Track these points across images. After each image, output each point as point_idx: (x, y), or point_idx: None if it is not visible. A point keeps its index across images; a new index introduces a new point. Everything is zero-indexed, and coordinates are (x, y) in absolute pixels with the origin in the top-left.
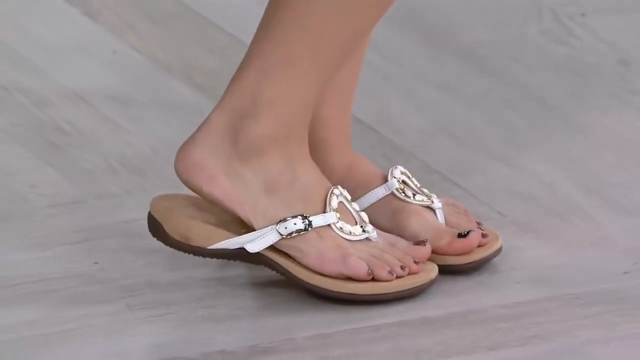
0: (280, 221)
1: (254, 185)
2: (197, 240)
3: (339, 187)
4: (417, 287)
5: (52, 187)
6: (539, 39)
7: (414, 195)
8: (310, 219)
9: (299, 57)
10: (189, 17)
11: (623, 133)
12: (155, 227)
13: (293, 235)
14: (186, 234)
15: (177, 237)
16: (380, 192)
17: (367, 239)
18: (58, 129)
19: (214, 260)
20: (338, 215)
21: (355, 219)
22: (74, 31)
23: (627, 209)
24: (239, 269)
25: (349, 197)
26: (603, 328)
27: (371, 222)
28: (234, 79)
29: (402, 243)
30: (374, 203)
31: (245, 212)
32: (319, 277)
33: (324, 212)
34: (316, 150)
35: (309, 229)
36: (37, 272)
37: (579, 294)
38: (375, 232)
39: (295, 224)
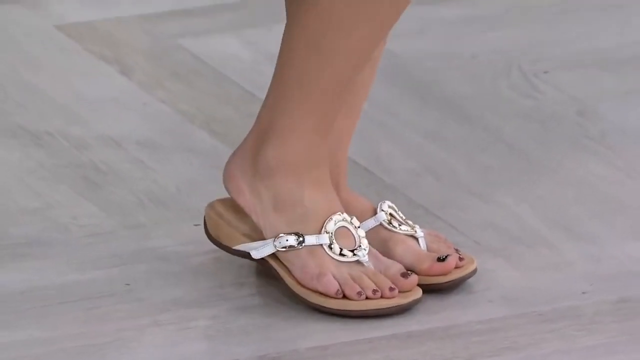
0: (277, 236)
1: (266, 201)
2: (224, 240)
3: (344, 213)
4: (382, 308)
5: (90, 219)
6: (509, 92)
7: (400, 225)
8: (304, 237)
9: (307, 91)
10: (209, 74)
11: (581, 173)
12: (205, 226)
13: (286, 249)
14: (217, 233)
15: (213, 235)
16: (370, 223)
17: (358, 261)
18: (95, 169)
19: (230, 282)
20: (332, 237)
21: (355, 241)
22: (110, 86)
23: (584, 237)
24: (251, 289)
25: (357, 223)
26: (565, 341)
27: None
28: (262, 106)
29: (393, 270)
30: (365, 232)
31: (259, 222)
32: (300, 287)
33: (319, 233)
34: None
35: (301, 246)
36: (77, 292)
37: (543, 312)
38: (367, 257)
39: (287, 240)
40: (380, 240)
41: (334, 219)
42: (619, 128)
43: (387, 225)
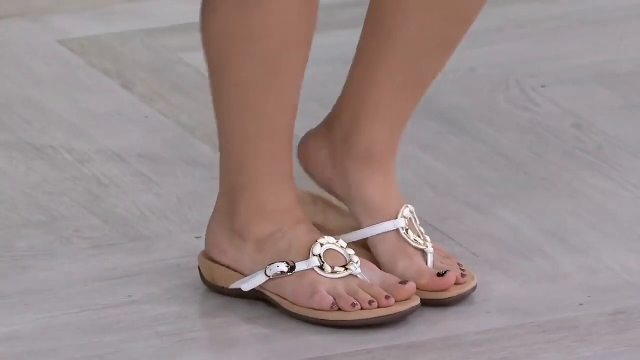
0: (268, 266)
1: (249, 249)
2: (220, 282)
3: (326, 237)
4: (380, 317)
5: (93, 232)
6: (506, 105)
7: (416, 237)
8: (295, 264)
9: (254, 143)
10: (209, 88)
11: (577, 186)
12: (200, 273)
13: (278, 275)
14: (213, 277)
15: (209, 280)
16: (388, 226)
17: (352, 275)
18: (98, 182)
19: (231, 293)
20: (322, 259)
21: (345, 259)
22: (112, 99)
23: (580, 249)
24: (251, 301)
25: (343, 244)
26: (562, 352)
27: (372, 250)
28: (220, 167)
29: (391, 281)
30: (380, 234)
31: (246, 272)
32: (297, 307)
33: (308, 259)
34: (363, 161)
35: (292, 272)
36: (80, 304)
37: (541, 323)
38: (360, 269)
39: (278, 266)
40: (390, 247)
41: (319, 242)
42: (614, 141)
43: (402, 233)
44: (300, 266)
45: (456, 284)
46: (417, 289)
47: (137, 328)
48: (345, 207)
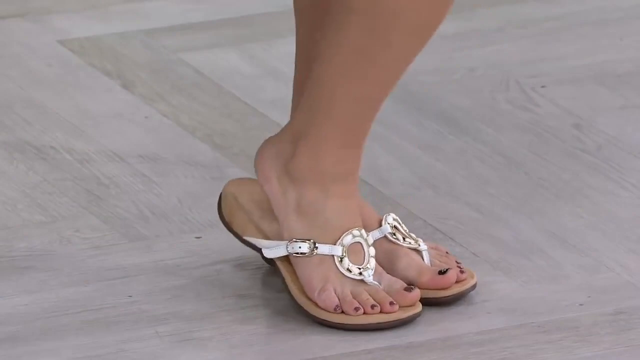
0: (291, 241)
1: (291, 200)
2: (236, 227)
3: (362, 229)
4: (382, 322)
5: (93, 232)
6: (506, 105)
7: (404, 238)
8: (317, 245)
9: (339, 106)
10: (210, 88)
11: (577, 185)
12: (218, 205)
13: (298, 255)
14: (231, 218)
15: (226, 218)
16: (375, 234)
17: (362, 280)
18: (98, 182)
19: (231, 293)
20: (345, 250)
21: (364, 260)
22: (112, 100)
23: (580, 249)
24: (252, 301)
25: (370, 242)
26: (562, 352)
27: None
28: (296, 104)
29: (396, 286)
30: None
31: (279, 216)
32: (303, 297)
33: (334, 244)
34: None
35: (313, 253)
36: (79, 304)
37: (541, 323)
38: (371, 278)
39: (300, 247)
40: (384, 252)
41: (352, 233)
42: (614, 142)
43: (391, 238)
44: (322, 249)
45: (456, 281)
46: (418, 287)
47: (137, 328)
48: None
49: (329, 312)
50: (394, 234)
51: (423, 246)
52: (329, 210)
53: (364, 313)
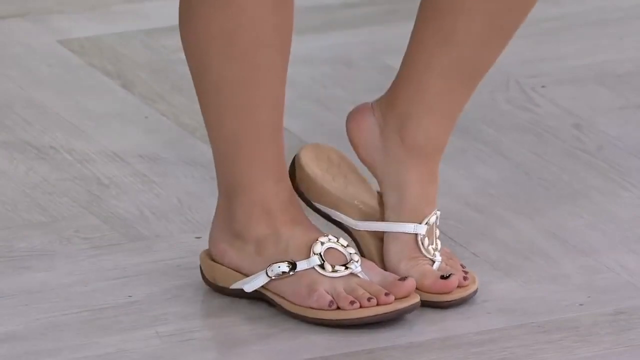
0: (269, 266)
1: (249, 250)
2: (220, 281)
3: (328, 235)
4: (380, 314)
5: (93, 232)
6: (507, 105)
7: (427, 248)
8: (296, 263)
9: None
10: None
11: (578, 186)
12: (201, 271)
13: (280, 276)
14: (213, 275)
15: (210, 279)
16: (408, 228)
17: (352, 273)
18: (98, 182)
19: (231, 293)
20: (322, 258)
21: (346, 258)
22: (112, 100)
23: (581, 250)
24: (252, 301)
25: (344, 243)
26: (561, 352)
27: (384, 245)
28: (216, 168)
29: (390, 278)
30: (398, 232)
31: (248, 272)
32: (297, 307)
33: (308, 257)
34: (412, 155)
35: (293, 272)
36: (80, 304)
37: (541, 323)
38: (360, 268)
39: (279, 267)
40: (401, 249)
41: (320, 240)
42: (614, 142)
43: (419, 240)
44: (301, 265)
45: (459, 286)
46: (421, 290)
47: (137, 328)
48: (368, 184)
49: (325, 310)
50: (425, 238)
51: (438, 258)
52: (285, 236)
53: (360, 307)
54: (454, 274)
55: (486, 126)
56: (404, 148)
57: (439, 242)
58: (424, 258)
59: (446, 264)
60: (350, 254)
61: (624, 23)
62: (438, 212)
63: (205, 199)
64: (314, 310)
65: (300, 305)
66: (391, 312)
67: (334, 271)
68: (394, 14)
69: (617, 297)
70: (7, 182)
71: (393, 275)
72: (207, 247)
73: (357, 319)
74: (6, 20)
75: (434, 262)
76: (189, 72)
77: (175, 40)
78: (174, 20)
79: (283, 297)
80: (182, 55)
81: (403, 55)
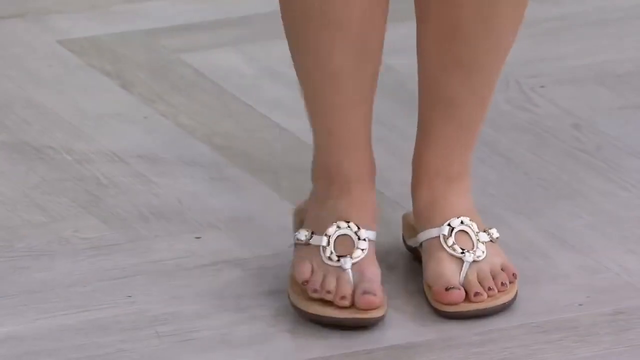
0: (299, 230)
1: (312, 198)
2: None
3: (351, 222)
4: (335, 317)
5: (92, 232)
6: (506, 105)
7: (452, 246)
8: (313, 236)
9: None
10: (210, 88)
11: (577, 186)
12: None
13: (299, 242)
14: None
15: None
16: (433, 232)
17: (340, 267)
18: (97, 183)
19: (230, 294)
20: (330, 241)
21: (351, 250)
22: (111, 100)
23: (580, 249)
24: (251, 301)
25: (363, 235)
26: (561, 352)
27: (422, 254)
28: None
29: (360, 287)
30: (427, 240)
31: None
32: (290, 283)
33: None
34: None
35: (310, 242)
36: (79, 304)
37: (540, 323)
38: (349, 265)
39: (299, 233)
40: (429, 252)
41: (337, 224)
42: (614, 142)
43: (441, 239)
44: (315, 239)
45: (470, 301)
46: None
47: (136, 328)
48: None
49: (293, 287)
50: (446, 238)
51: (468, 258)
52: (325, 209)
53: (320, 299)
54: (457, 289)
55: (485, 126)
56: (415, 178)
57: (480, 247)
58: (451, 256)
59: (478, 280)
60: (358, 248)
61: (623, 23)
62: (465, 218)
63: (205, 199)
64: (294, 295)
65: (291, 288)
66: (349, 319)
67: (329, 258)
68: (394, 14)
69: (616, 297)
70: (6, 182)
71: (367, 284)
72: (206, 246)
73: (316, 315)
74: (6, 20)
75: (463, 261)
76: (188, 73)
77: (175, 41)
78: (174, 20)
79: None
80: (182, 56)
81: (402, 55)
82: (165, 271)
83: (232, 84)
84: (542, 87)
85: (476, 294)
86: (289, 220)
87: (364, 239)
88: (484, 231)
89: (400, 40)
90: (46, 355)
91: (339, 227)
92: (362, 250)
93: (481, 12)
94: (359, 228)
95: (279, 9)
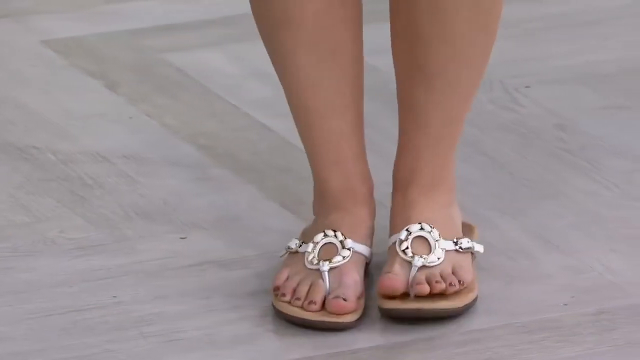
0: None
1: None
2: None
3: (338, 231)
4: (305, 319)
5: (77, 232)
6: (490, 105)
7: (404, 250)
8: (302, 245)
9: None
10: (194, 88)
11: (561, 186)
12: None
13: (289, 250)
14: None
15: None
16: (394, 237)
17: (319, 270)
18: (83, 183)
19: (216, 294)
20: (315, 248)
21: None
22: (96, 100)
23: (563, 249)
24: (237, 302)
25: (349, 244)
26: (545, 352)
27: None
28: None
29: (333, 294)
30: (389, 245)
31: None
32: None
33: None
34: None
35: (298, 250)
36: (65, 305)
37: (524, 323)
38: (326, 268)
39: (290, 242)
40: (389, 256)
41: (324, 232)
42: (597, 142)
43: (396, 244)
44: (303, 247)
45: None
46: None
47: (122, 329)
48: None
49: (274, 290)
50: (400, 243)
51: (417, 262)
52: (317, 221)
53: (289, 303)
54: (391, 273)
55: (470, 126)
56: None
57: (438, 252)
58: (403, 260)
59: (427, 277)
60: (339, 255)
61: (607, 24)
62: (425, 225)
63: (190, 200)
64: (274, 295)
65: None
66: (317, 321)
67: (310, 262)
68: (377, 15)
69: (600, 297)
70: None
71: (341, 290)
72: (192, 246)
73: (287, 314)
74: None
75: (411, 264)
76: (172, 73)
77: (159, 41)
78: (159, 20)
79: None
80: (166, 56)
81: (385, 55)
82: (150, 271)
83: (217, 84)
84: (526, 87)
85: (418, 284)
86: (274, 221)
87: (348, 248)
88: (455, 241)
89: (385, 41)
90: (32, 356)
91: (326, 235)
92: (344, 257)
93: (438, 17)
94: (345, 238)
95: None
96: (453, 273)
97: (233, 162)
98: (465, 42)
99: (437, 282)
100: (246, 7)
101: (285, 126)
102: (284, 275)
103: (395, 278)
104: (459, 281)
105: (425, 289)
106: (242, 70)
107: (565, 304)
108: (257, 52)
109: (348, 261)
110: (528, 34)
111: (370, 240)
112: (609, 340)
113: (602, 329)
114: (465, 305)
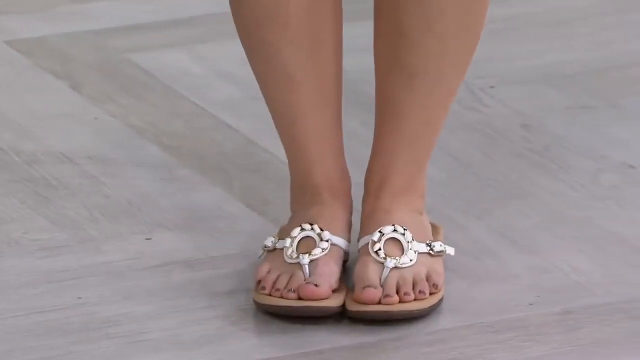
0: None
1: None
2: None
3: (314, 225)
4: (276, 305)
5: (42, 233)
6: (455, 106)
7: (376, 251)
8: (278, 241)
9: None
10: (159, 88)
11: (526, 186)
12: None
13: (266, 248)
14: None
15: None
16: (366, 239)
17: (298, 263)
18: (47, 184)
19: (182, 295)
20: (293, 242)
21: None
22: (61, 101)
23: (529, 249)
24: (203, 302)
25: (326, 236)
26: (511, 352)
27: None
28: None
29: (312, 278)
30: (361, 246)
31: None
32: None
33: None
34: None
35: (276, 247)
36: (28, 306)
37: (490, 322)
38: (306, 260)
39: (266, 241)
40: (360, 256)
41: (302, 226)
42: (562, 142)
43: (369, 245)
44: (279, 243)
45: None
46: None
47: (86, 330)
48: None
49: (255, 285)
50: (375, 243)
51: (389, 264)
52: (293, 217)
53: (268, 294)
54: (371, 288)
55: None
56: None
57: (410, 255)
58: (376, 261)
59: (398, 281)
60: (318, 247)
61: (572, 24)
62: (399, 227)
63: (155, 200)
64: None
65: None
66: (288, 306)
67: (289, 256)
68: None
69: (565, 296)
70: None
71: (319, 278)
72: (157, 247)
73: (258, 302)
74: None
75: (384, 266)
76: (137, 73)
77: (124, 41)
78: (123, 20)
79: None
80: (131, 56)
81: (351, 56)
82: (115, 272)
83: (182, 84)
84: (491, 87)
85: (386, 296)
86: (240, 221)
87: (327, 240)
88: (428, 243)
89: (350, 40)
90: None
91: (302, 229)
92: (323, 249)
93: (423, 17)
94: (322, 230)
95: (229, 9)
96: (427, 277)
97: (198, 163)
98: (450, 42)
99: (405, 293)
100: (211, 7)
101: (251, 127)
102: (265, 268)
103: (372, 291)
104: (434, 284)
105: (395, 301)
106: (207, 71)
107: (531, 304)
108: (222, 53)
109: (326, 254)
110: (492, 34)
111: (348, 235)
112: (574, 339)
113: (567, 329)
114: (432, 305)
